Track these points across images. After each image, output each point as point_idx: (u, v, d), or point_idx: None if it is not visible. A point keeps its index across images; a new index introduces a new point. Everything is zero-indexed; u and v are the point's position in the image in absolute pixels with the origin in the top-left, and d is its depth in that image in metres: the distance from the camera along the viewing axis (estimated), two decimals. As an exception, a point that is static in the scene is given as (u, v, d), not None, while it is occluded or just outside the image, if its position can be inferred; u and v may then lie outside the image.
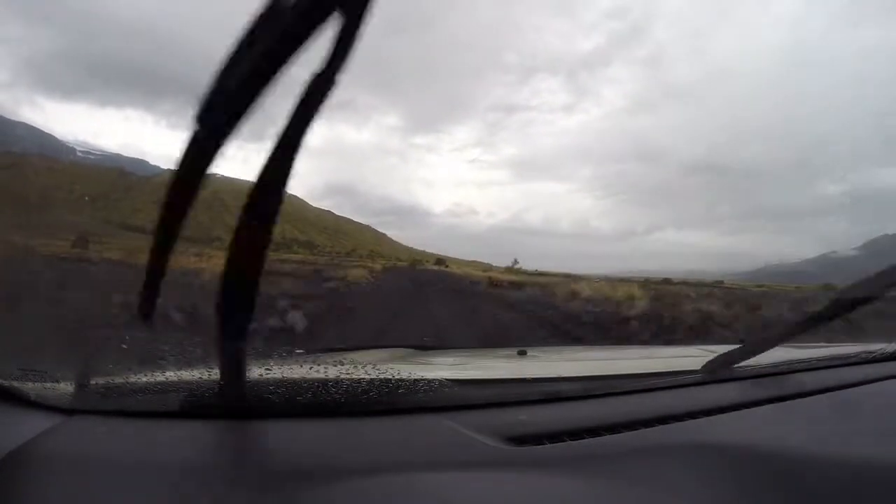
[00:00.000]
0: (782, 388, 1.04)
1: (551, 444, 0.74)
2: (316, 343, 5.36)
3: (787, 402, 0.97)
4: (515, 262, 53.26)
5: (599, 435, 0.77)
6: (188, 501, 0.60)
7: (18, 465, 0.65)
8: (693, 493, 0.64)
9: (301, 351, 1.36)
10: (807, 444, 0.76)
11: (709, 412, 0.88)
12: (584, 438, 0.76)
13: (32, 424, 0.73)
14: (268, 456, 0.69)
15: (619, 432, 0.78)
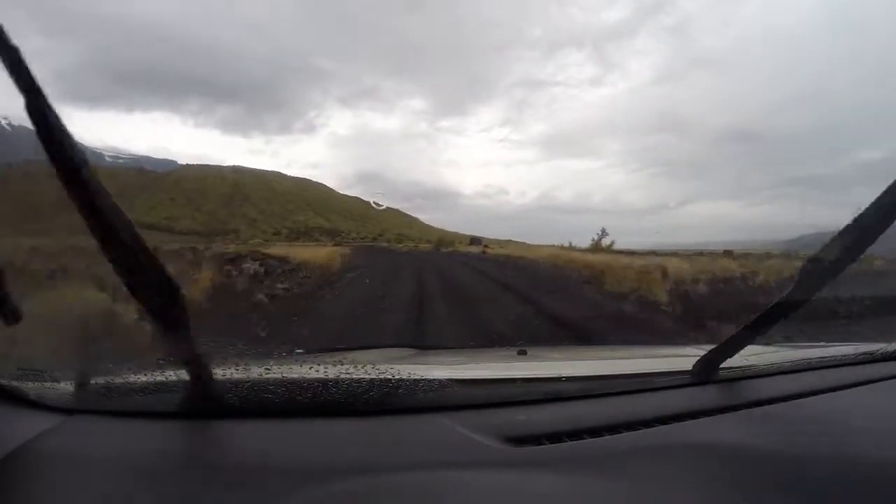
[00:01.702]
0: (783, 388, 1.05)
1: (551, 444, 0.75)
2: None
3: (788, 402, 0.98)
4: (603, 233, 28.51)
5: (599, 435, 0.78)
6: (188, 501, 0.62)
7: (18, 465, 0.68)
8: (693, 493, 0.65)
9: (301, 351, 1.51)
10: (807, 444, 0.78)
11: (709, 412, 0.88)
12: (583, 438, 0.77)
13: (32, 424, 0.75)
14: (268, 456, 0.70)
15: (619, 432, 0.79)
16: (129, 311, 4.57)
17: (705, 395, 0.99)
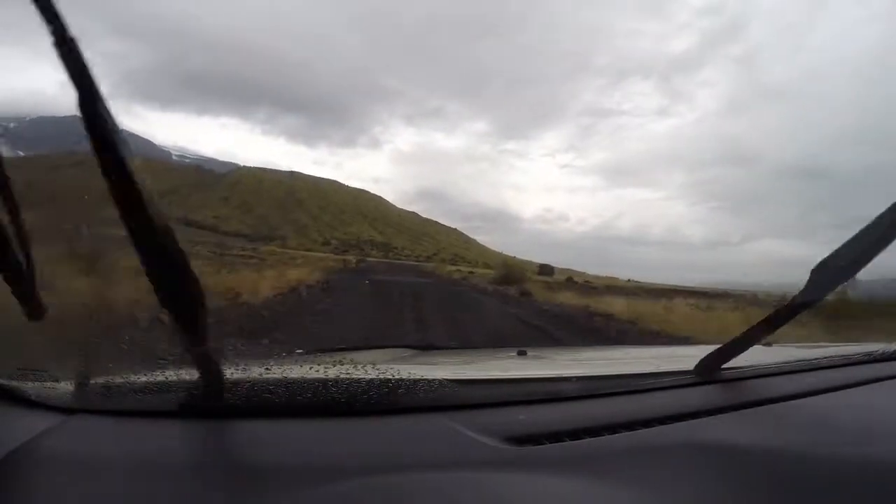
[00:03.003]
0: (782, 388, 1.05)
1: (551, 445, 0.75)
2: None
3: (787, 402, 0.98)
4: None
5: (599, 435, 0.79)
6: (188, 501, 0.62)
7: (18, 465, 0.69)
8: (693, 493, 0.66)
9: (301, 351, 1.49)
10: (807, 444, 0.79)
11: (709, 412, 0.89)
12: (583, 438, 0.77)
13: (32, 424, 0.76)
14: (268, 456, 0.71)
15: (619, 432, 0.80)
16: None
17: (705, 395, 0.99)
